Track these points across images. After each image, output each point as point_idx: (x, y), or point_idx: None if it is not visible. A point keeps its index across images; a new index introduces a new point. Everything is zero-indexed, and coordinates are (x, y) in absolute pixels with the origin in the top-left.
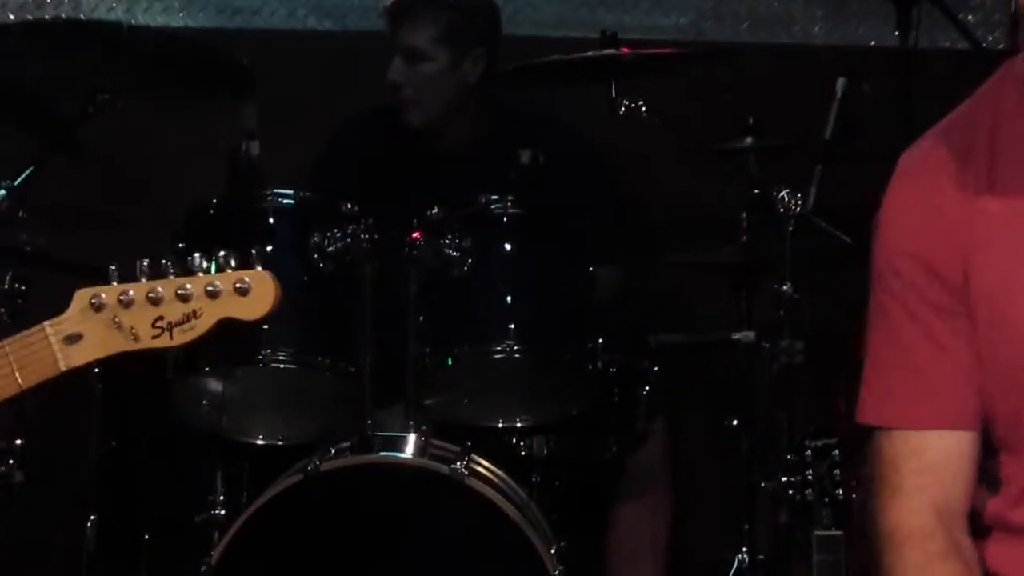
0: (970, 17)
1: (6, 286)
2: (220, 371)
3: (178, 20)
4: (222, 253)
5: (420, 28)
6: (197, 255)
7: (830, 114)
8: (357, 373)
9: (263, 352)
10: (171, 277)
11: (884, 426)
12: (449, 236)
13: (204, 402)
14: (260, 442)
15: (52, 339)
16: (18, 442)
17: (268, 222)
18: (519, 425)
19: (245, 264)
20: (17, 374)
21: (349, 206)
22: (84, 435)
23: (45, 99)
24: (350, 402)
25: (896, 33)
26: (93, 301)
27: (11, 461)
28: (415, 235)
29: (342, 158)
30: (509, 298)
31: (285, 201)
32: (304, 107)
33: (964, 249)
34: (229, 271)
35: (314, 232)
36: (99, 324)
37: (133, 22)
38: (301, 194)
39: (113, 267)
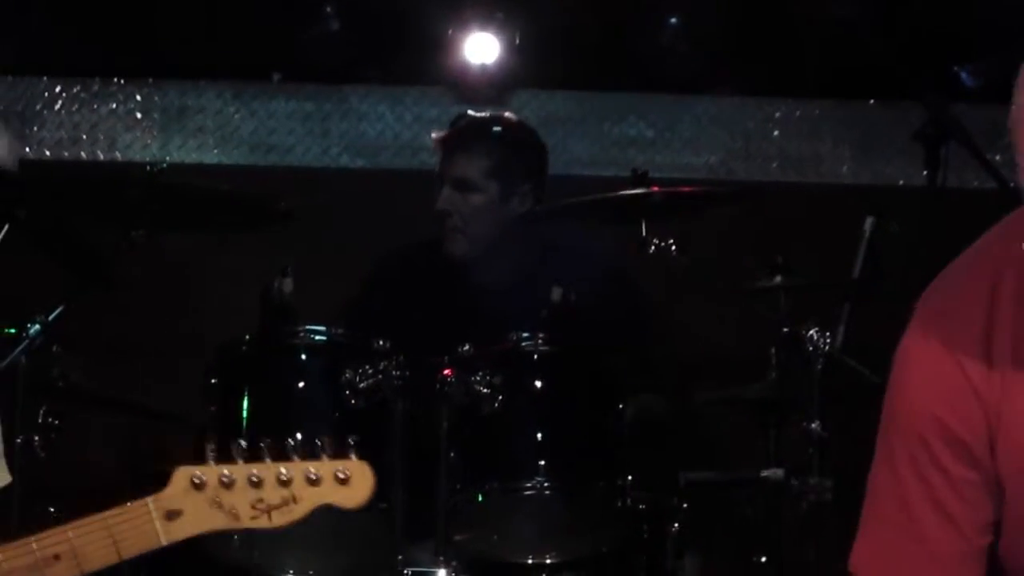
0: (998, 156)
1: (40, 420)
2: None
3: (212, 157)
4: (318, 441)
5: (473, 159)
6: (292, 440)
7: (858, 253)
8: (388, 509)
9: None
10: (268, 460)
11: None
12: (480, 373)
13: (235, 537)
14: None
15: (154, 514)
16: None
17: (300, 358)
18: (549, 561)
19: (340, 451)
20: (117, 546)
21: (381, 343)
22: (116, 570)
23: (80, 235)
24: (381, 538)
25: (924, 173)
26: (195, 480)
27: None
28: (446, 372)
29: (381, 289)
30: (539, 435)
31: (317, 338)
32: (336, 244)
33: (993, 421)
34: (325, 459)
35: (346, 369)
36: (200, 502)
37: (168, 160)
38: (333, 331)
39: (212, 447)
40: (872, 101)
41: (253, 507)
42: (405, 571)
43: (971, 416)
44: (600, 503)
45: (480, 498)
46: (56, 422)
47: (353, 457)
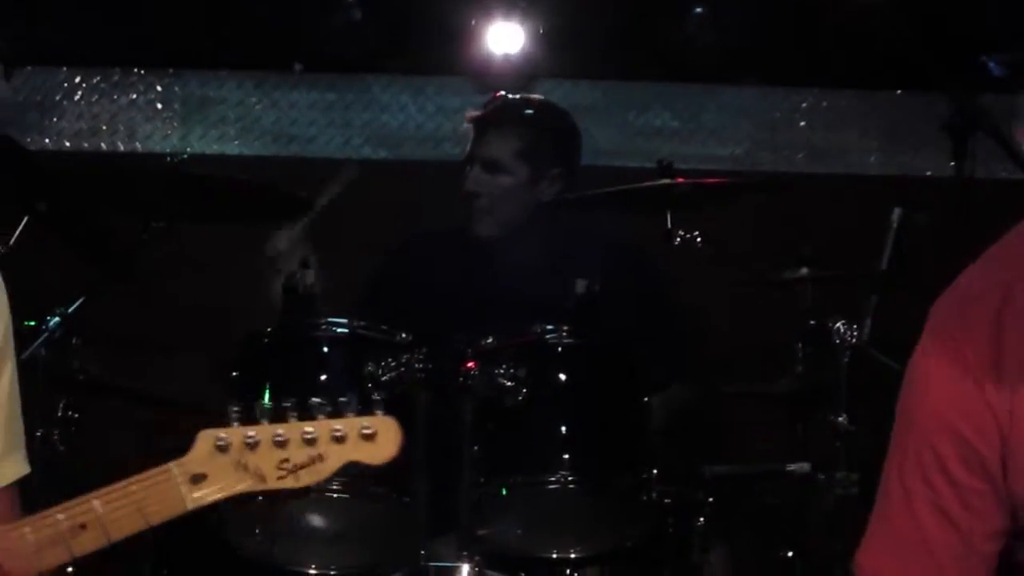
0: None
1: (59, 413)
2: (273, 499)
3: (233, 148)
4: (343, 398)
5: (504, 140)
6: (316, 399)
7: (886, 245)
8: (411, 503)
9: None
10: (293, 420)
11: None
12: (504, 366)
13: (257, 530)
14: (313, 572)
15: (178, 479)
16: (69, 570)
17: (322, 351)
18: (573, 556)
19: (365, 407)
20: (143, 512)
21: (403, 335)
22: (137, 564)
23: (100, 227)
24: (404, 532)
25: (952, 163)
26: (218, 443)
27: None
28: (469, 364)
29: (403, 276)
30: (564, 428)
31: (339, 330)
32: (358, 235)
33: (1006, 438)
34: (351, 415)
35: (368, 361)
36: (224, 465)
37: (189, 150)
38: (355, 323)
39: (235, 408)
40: (899, 91)
41: (279, 467)
42: (428, 565)
43: (986, 428)
44: (625, 497)
45: (504, 492)
46: (76, 415)
47: (379, 413)
